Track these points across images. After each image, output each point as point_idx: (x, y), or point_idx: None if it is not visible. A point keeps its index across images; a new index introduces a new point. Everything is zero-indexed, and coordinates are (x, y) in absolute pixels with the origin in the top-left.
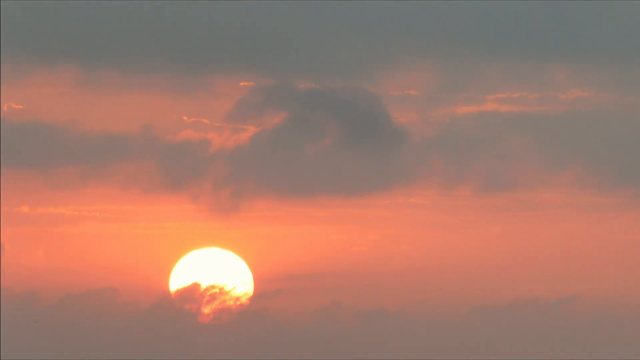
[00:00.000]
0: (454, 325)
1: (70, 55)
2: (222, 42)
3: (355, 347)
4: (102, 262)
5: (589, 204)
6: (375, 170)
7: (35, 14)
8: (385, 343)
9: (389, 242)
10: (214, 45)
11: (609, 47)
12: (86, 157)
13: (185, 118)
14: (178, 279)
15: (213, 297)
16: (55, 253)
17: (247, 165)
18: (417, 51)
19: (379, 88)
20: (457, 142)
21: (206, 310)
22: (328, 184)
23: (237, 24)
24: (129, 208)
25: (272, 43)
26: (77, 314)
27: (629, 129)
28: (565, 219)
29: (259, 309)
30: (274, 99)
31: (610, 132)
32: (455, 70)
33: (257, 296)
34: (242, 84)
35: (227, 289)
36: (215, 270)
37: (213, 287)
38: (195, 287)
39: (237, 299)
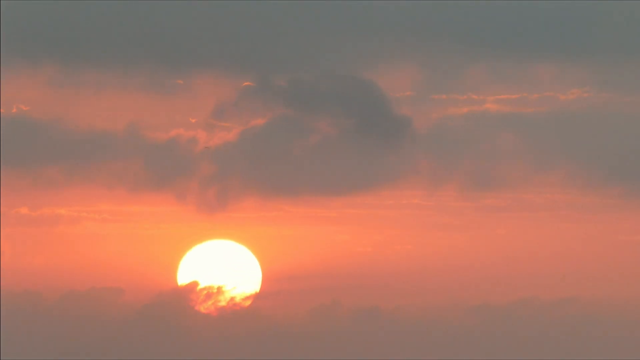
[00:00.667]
0: (462, 326)
1: (53, 53)
2: (210, 41)
3: (356, 346)
4: (104, 262)
5: (591, 205)
6: (377, 170)
7: (35, 14)
8: (382, 342)
9: (393, 243)
10: (201, 44)
11: (601, 46)
12: (73, 155)
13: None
14: (180, 278)
15: (210, 296)
16: (55, 253)
17: (247, 165)
18: (409, 51)
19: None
20: (459, 142)
21: (204, 308)
22: (329, 183)
23: (224, 22)
24: (127, 209)
25: (261, 41)
26: (76, 314)
27: (623, 129)
28: (571, 219)
29: (257, 308)
30: (263, 97)
31: (608, 131)
32: (457, 70)
33: (257, 296)
34: (225, 82)
35: (227, 288)
36: (222, 267)
37: (210, 287)
38: (194, 285)
39: (232, 298)
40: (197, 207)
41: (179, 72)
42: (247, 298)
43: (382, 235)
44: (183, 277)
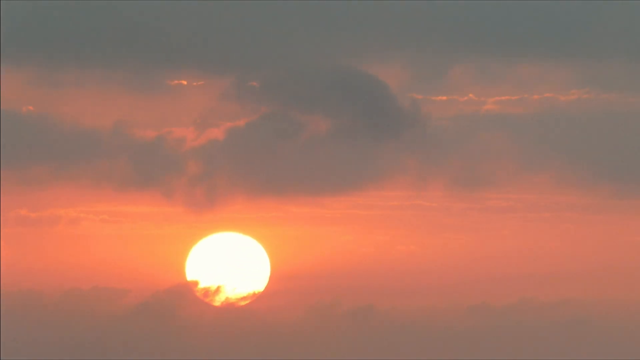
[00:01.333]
0: (466, 326)
1: (38, 52)
2: (198, 39)
3: (355, 346)
4: (106, 262)
5: (594, 206)
6: (372, 168)
7: (34, 14)
8: (380, 342)
9: (396, 243)
10: (189, 42)
11: (592, 46)
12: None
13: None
14: (179, 278)
15: (209, 295)
16: (53, 253)
17: (249, 164)
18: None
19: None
20: (462, 143)
21: (203, 307)
22: (330, 183)
23: (211, 21)
24: (127, 209)
25: (248, 40)
26: (75, 314)
27: (624, 129)
28: (573, 220)
29: (256, 308)
30: (253, 95)
31: (609, 131)
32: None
33: (257, 295)
34: (206, 81)
35: (227, 286)
36: (226, 265)
37: (210, 287)
38: (194, 285)
39: (228, 298)
40: (196, 208)
41: (166, 70)
42: (245, 297)
43: (386, 235)
44: (182, 277)
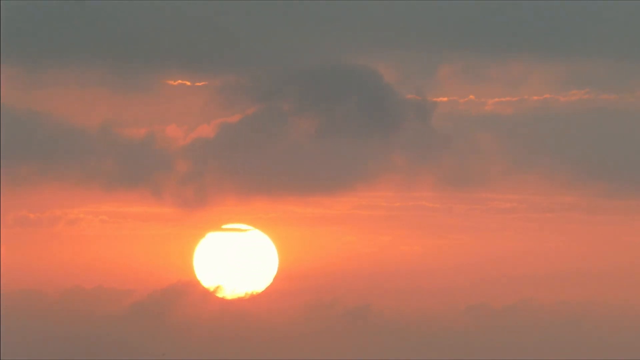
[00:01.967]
0: (469, 326)
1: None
2: (188, 38)
3: (353, 346)
4: (108, 262)
5: (595, 207)
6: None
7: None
8: (379, 343)
9: (400, 244)
10: (179, 41)
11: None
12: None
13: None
14: (178, 278)
15: (207, 295)
16: (54, 253)
17: (250, 164)
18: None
19: None
20: (464, 143)
21: (200, 307)
22: (331, 182)
23: (201, 21)
24: (126, 210)
25: (239, 40)
26: (74, 314)
27: (627, 129)
28: (578, 221)
29: (257, 308)
30: (242, 93)
31: (611, 132)
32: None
33: (258, 295)
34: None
35: (224, 287)
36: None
37: (208, 287)
38: (191, 285)
39: (225, 298)
40: (188, 207)
41: (156, 70)
42: (249, 295)
43: (390, 236)
44: (183, 277)
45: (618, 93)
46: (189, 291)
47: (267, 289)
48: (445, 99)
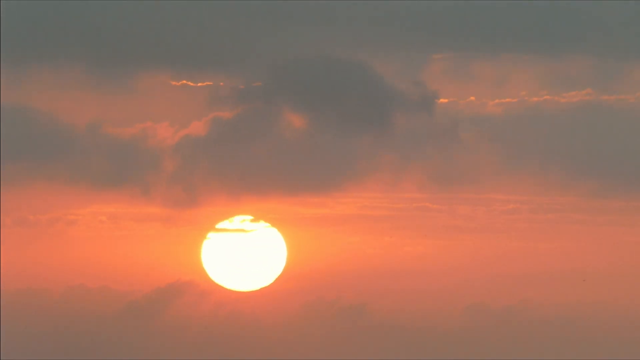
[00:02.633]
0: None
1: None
2: (176, 37)
3: (352, 346)
4: (113, 262)
5: (596, 208)
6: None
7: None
8: (378, 342)
9: (403, 245)
10: (169, 39)
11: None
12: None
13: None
14: (177, 278)
15: (204, 295)
16: (54, 254)
17: (252, 164)
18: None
19: None
20: (466, 144)
21: (196, 308)
22: (333, 183)
23: (194, 20)
24: (127, 211)
25: (228, 38)
26: (75, 314)
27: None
28: (580, 222)
29: (257, 309)
30: (232, 91)
31: (611, 133)
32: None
33: (257, 294)
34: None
35: (223, 286)
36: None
37: (205, 287)
38: (190, 284)
39: (226, 297)
40: (184, 206)
41: (144, 68)
42: (244, 296)
43: (393, 237)
44: (181, 277)
45: (619, 93)
46: (188, 291)
47: (266, 289)
48: (445, 100)
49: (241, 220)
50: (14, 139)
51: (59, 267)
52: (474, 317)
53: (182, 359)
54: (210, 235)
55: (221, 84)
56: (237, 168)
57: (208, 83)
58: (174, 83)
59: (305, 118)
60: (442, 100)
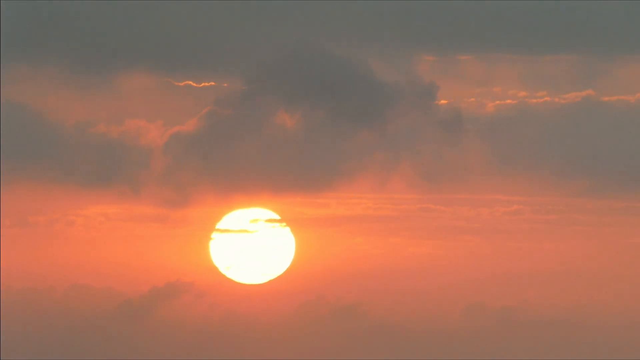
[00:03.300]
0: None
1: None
2: (163, 36)
3: (351, 346)
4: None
5: (597, 208)
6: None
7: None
8: (376, 343)
9: (408, 245)
10: (161, 38)
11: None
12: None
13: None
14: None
15: (203, 295)
16: (54, 254)
17: (255, 164)
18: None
19: None
20: (468, 145)
21: (193, 308)
22: (334, 183)
23: (184, 21)
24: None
25: (219, 37)
26: (75, 314)
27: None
28: (581, 223)
29: (259, 308)
30: (223, 89)
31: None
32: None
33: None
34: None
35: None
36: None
37: (204, 286)
38: (187, 284)
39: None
40: (178, 205)
41: (134, 68)
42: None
43: (398, 237)
44: (184, 277)
45: (619, 94)
46: (187, 291)
47: (266, 289)
48: (445, 101)
49: (251, 220)
50: (14, 139)
51: (58, 267)
52: (473, 317)
53: (181, 358)
54: (215, 235)
55: (213, 83)
56: (232, 167)
57: (209, 84)
58: (176, 83)
59: (299, 116)
60: (442, 101)
